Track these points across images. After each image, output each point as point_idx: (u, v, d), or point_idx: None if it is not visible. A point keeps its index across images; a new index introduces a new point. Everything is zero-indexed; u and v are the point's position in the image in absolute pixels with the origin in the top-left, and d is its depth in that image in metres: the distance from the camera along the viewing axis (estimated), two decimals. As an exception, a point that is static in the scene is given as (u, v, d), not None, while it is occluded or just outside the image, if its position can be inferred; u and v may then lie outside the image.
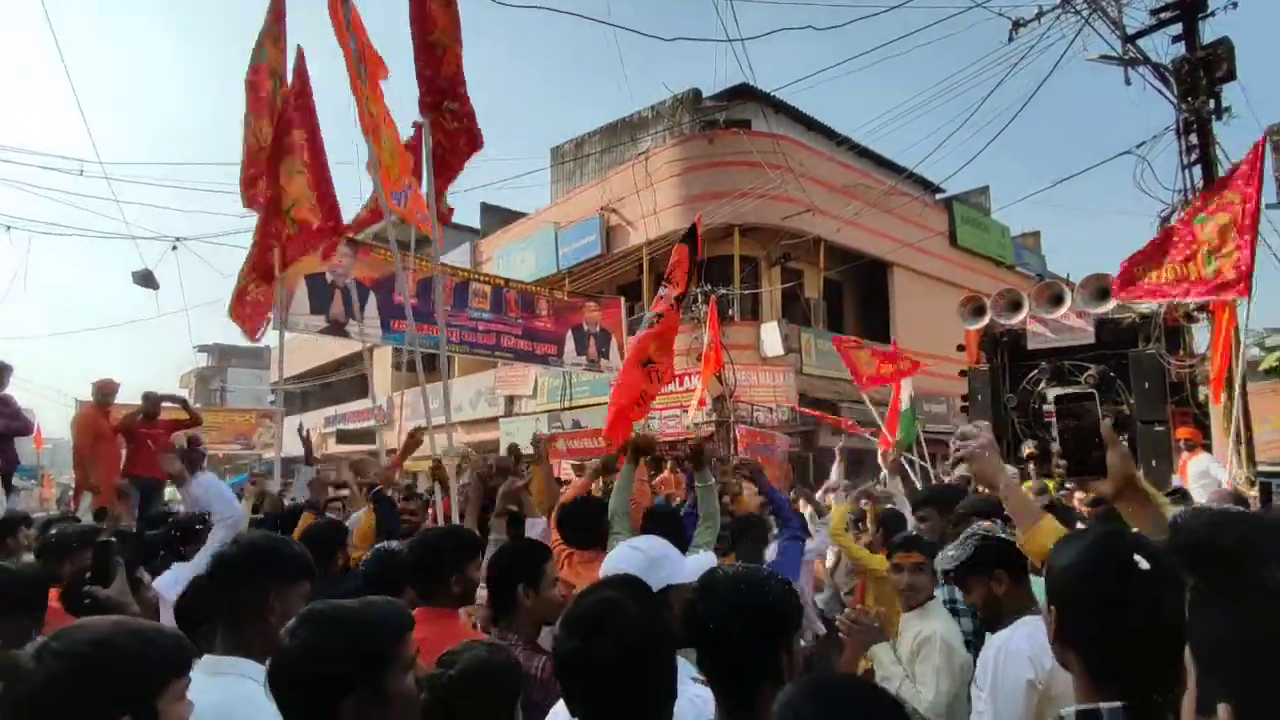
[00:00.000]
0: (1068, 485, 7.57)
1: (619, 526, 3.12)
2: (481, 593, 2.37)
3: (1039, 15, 7.57)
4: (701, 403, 12.87)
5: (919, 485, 7.22)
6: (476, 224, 20.26)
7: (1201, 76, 7.04)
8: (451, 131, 4.02)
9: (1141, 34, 7.47)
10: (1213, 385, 5.50)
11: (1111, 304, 8.39)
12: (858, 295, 17.77)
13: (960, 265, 18.08)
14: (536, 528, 3.41)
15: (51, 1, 8.86)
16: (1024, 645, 1.90)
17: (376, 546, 2.85)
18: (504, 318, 8.81)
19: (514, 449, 5.39)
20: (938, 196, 18.53)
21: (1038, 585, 2.72)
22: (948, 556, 2.20)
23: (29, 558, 3.32)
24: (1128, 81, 7.45)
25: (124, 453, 6.30)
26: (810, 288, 16.06)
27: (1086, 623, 1.12)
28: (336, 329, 6.81)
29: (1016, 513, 1.71)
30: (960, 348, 10.50)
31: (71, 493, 7.09)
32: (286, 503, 5.34)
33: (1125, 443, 1.49)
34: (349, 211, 5.18)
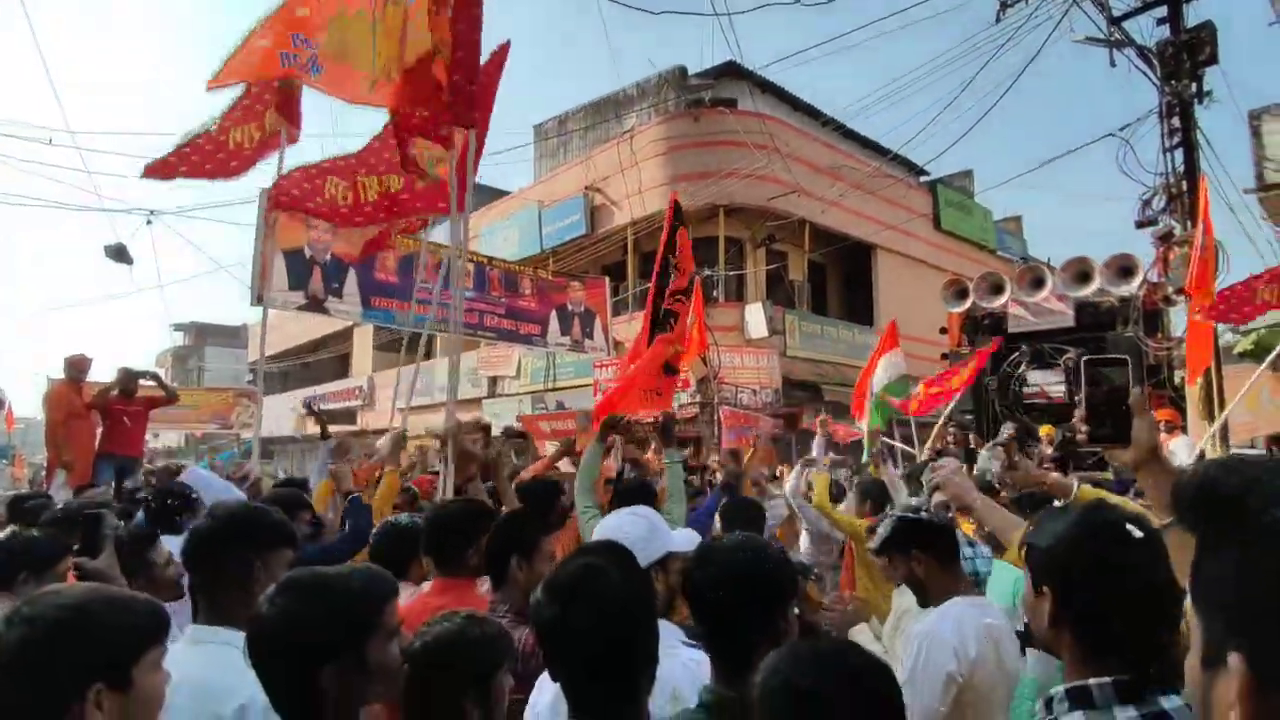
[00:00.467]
0: (1046, 466, 7.69)
1: (586, 503, 3.09)
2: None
3: (1028, -6, 7.57)
4: (685, 384, 12.90)
5: (900, 466, 7.28)
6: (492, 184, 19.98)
7: (1185, 60, 7.07)
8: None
9: (1127, 16, 7.49)
10: (1188, 368, 5.59)
11: (1092, 287, 8.48)
12: (841, 277, 17.83)
13: (943, 248, 18.18)
14: None
15: (15, -36, 8.51)
16: (949, 634, 1.91)
17: (385, 520, 2.85)
18: (487, 297, 8.73)
19: (483, 425, 5.34)
20: (922, 179, 18.58)
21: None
22: (875, 535, 2.22)
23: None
24: (1113, 63, 7.47)
25: (99, 430, 6.18)
26: (795, 269, 16.08)
27: (1084, 593, 1.12)
28: (315, 305, 6.71)
29: (996, 527, 1.72)
30: (942, 330, 10.59)
31: (44, 472, 6.96)
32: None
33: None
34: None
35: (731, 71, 15.43)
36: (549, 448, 10.04)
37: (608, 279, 11.30)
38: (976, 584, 2.69)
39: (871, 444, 6.43)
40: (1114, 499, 1.61)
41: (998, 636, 1.98)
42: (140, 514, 3.02)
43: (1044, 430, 8.92)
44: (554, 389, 15.39)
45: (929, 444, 7.57)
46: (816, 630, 2.11)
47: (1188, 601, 0.63)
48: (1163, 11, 7.34)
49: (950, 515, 3.79)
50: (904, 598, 2.56)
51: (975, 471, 3.58)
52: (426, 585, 2.40)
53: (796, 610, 1.49)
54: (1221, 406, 7.00)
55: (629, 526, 1.87)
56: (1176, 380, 8.53)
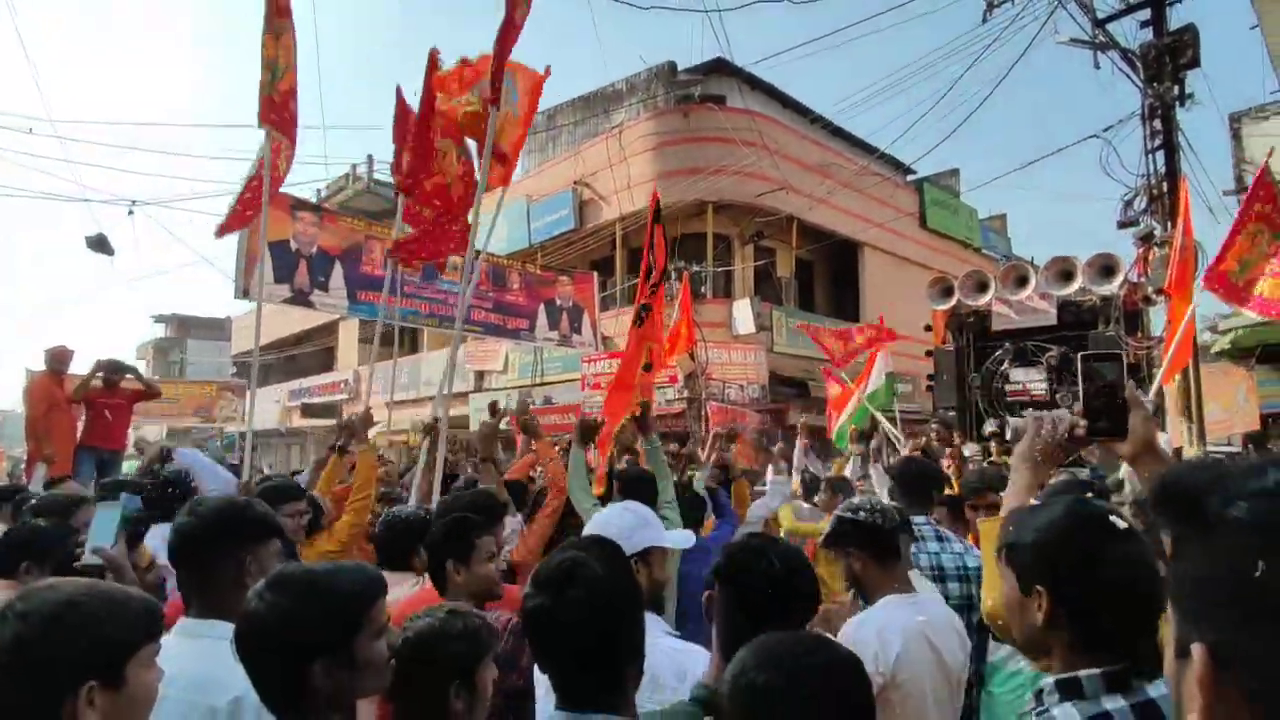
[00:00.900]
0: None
1: (586, 504, 3.19)
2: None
3: (1015, -7, 7.63)
4: (673, 379, 12.94)
5: (886, 463, 7.35)
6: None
7: (1167, 62, 7.17)
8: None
9: (1111, 18, 7.57)
10: (1164, 366, 5.68)
11: (1074, 286, 8.59)
12: (829, 274, 17.92)
13: (929, 246, 18.31)
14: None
15: (-6, -51, 8.36)
16: (870, 637, 1.94)
17: (389, 512, 2.86)
18: (475, 291, 8.69)
19: (494, 405, 5.37)
20: (908, 178, 18.69)
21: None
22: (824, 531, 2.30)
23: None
24: (1097, 65, 7.56)
25: (81, 422, 6.11)
26: (782, 266, 16.14)
27: (1075, 588, 1.13)
28: (301, 299, 6.66)
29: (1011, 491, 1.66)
30: (927, 328, 10.68)
31: (24, 465, 6.87)
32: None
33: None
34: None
35: (721, 68, 15.44)
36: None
37: (596, 274, 11.30)
38: (942, 578, 2.74)
39: (852, 440, 6.49)
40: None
41: (931, 633, 2.01)
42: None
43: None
44: (542, 383, 15.37)
45: (913, 440, 7.64)
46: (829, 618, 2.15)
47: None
48: (1146, 14, 7.44)
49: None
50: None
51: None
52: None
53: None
54: (1199, 405, 7.12)
55: (616, 519, 1.91)
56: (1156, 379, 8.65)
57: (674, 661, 1.60)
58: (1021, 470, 1.54)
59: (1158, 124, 7.34)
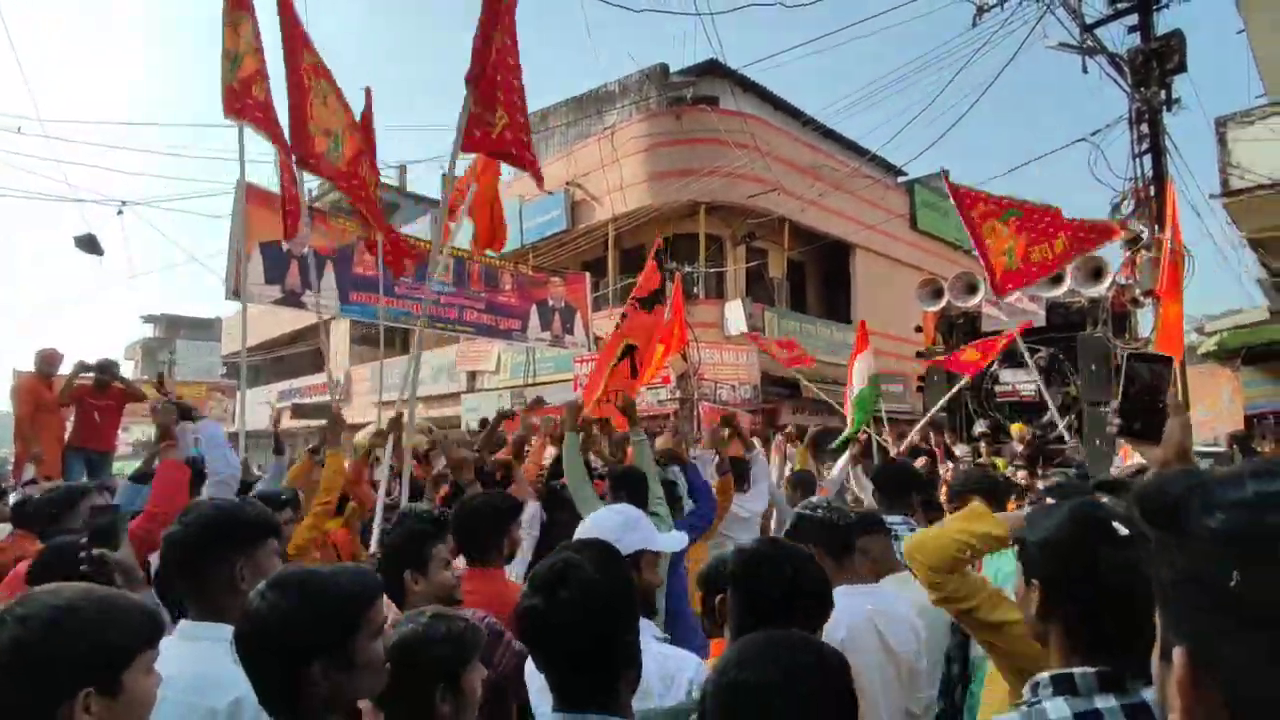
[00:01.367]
0: (1016, 463, 7.86)
1: (585, 493, 3.21)
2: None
3: (1002, 1, 7.69)
4: (665, 380, 12.95)
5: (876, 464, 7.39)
6: (438, 195, 19.87)
7: (1154, 67, 7.24)
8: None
9: (1099, 23, 7.64)
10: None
11: (1063, 288, 8.66)
12: (820, 276, 17.97)
13: (920, 248, 18.40)
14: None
15: (-19, -55, 8.28)
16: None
17: (401, 510, 2.86)
18: (467, 291, 8.68)
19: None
20: (899, 180, 18.77)
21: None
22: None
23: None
24: (1085, 69, 7.63)
25: (70, 423, 6.07)
26: (774, 267, 16.18)
27: (1071, 589, 1.17)
28: (292, 300, 6.62)
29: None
30: (918, 329, 10.74)
31: (10, 466, 6.81)
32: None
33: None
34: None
35: (713, 70, 15.46)
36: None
37: (588, 275, 11.29)
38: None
39: (852, 448, 6.52)
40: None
41: (881, 622, 2.11)
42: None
43: (1015, 428, 9.11)
44: (534, 384, 15.34)
45: (905, 442, 7.68)
46: None
47: None
48: (1133, 20, 7.51)
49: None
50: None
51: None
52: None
53: None
54: (1186, 406, 7.18)
55: (606, 521, 1.92)
56: (1143, 380, 8.72)
57: (661, 667, 1.62)
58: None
59: (1145, 128, 7.42)
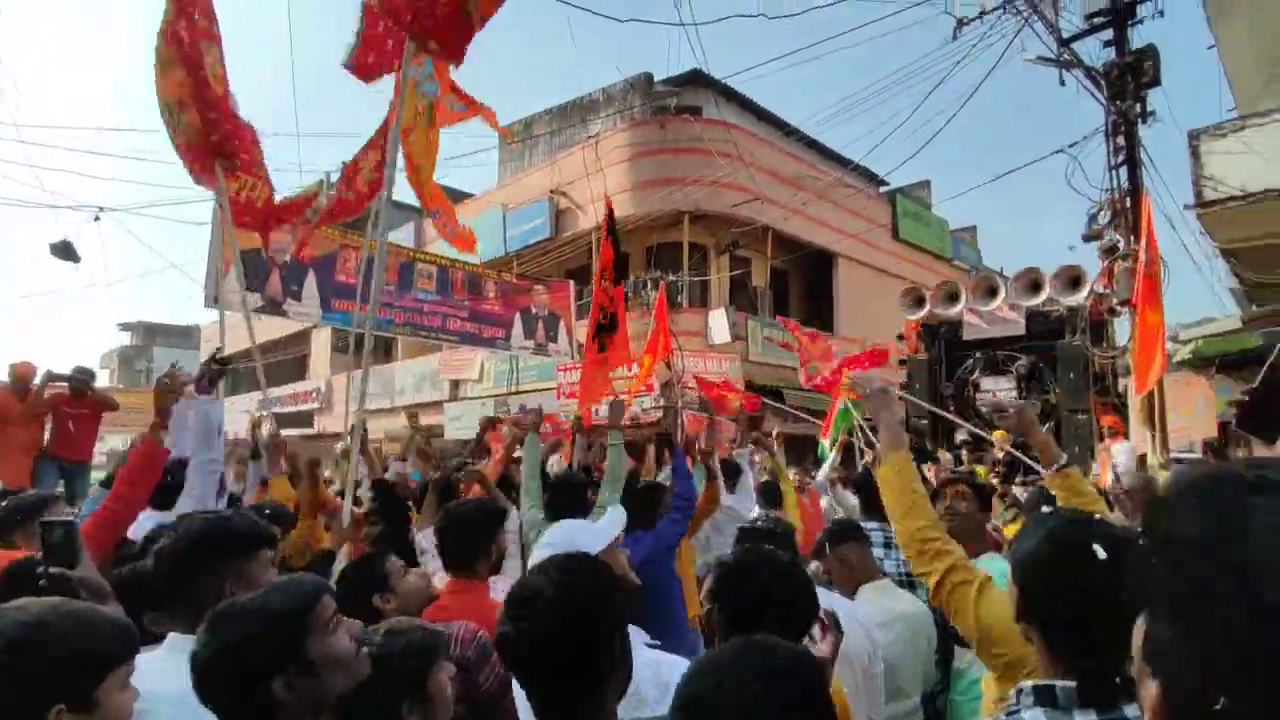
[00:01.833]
0: (997, 470, 7.92)
1: (532, 501, 3.25)
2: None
3: (981, 15, 7.82)
4: (650, 388, 12.94)
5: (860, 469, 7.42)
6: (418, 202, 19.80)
7: (1129, 81, 7.38)
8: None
9: (1076, 38, 7.78)
10: (1136, 376, 5.83)
11: (1042, 297, 8.78)
12: (803, 284, 18.09)
13: (901, 257, 18.58)
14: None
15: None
16: None
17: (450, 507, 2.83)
18: (450, 299, 8.65)
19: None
20: (881, 190, 18.97)
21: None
22: None
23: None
24: (1062, 82, 7.77)
25: (46, 433, 5.95)
26: (757, 276, 16.26)
27: (1046, 606, 1.19)
28: (274, 308, 6.56)
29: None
30: (900, 337, 10.83)
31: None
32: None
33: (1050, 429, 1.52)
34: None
35: (697, 80, 15.55)
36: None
37: (572, 283, 11.29)
38: (910, 584, 2.80)
39: (832, 460, 6.56)
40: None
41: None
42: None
43: (997, 434, 9.18)
44: (517, 392, 15.28)
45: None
46: None
47: None
48: (1109, 34, 7.66)
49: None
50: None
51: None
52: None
53: None
54: (1162, 413, 7.29)
55: (551, 538, 1.86)
56: (1120, 388, 8.87)
57: (655, 673, 1.60)
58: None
59: (1121, 140, 7.55)
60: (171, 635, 1.53)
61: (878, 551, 2.83)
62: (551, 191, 15.70)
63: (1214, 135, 7.18)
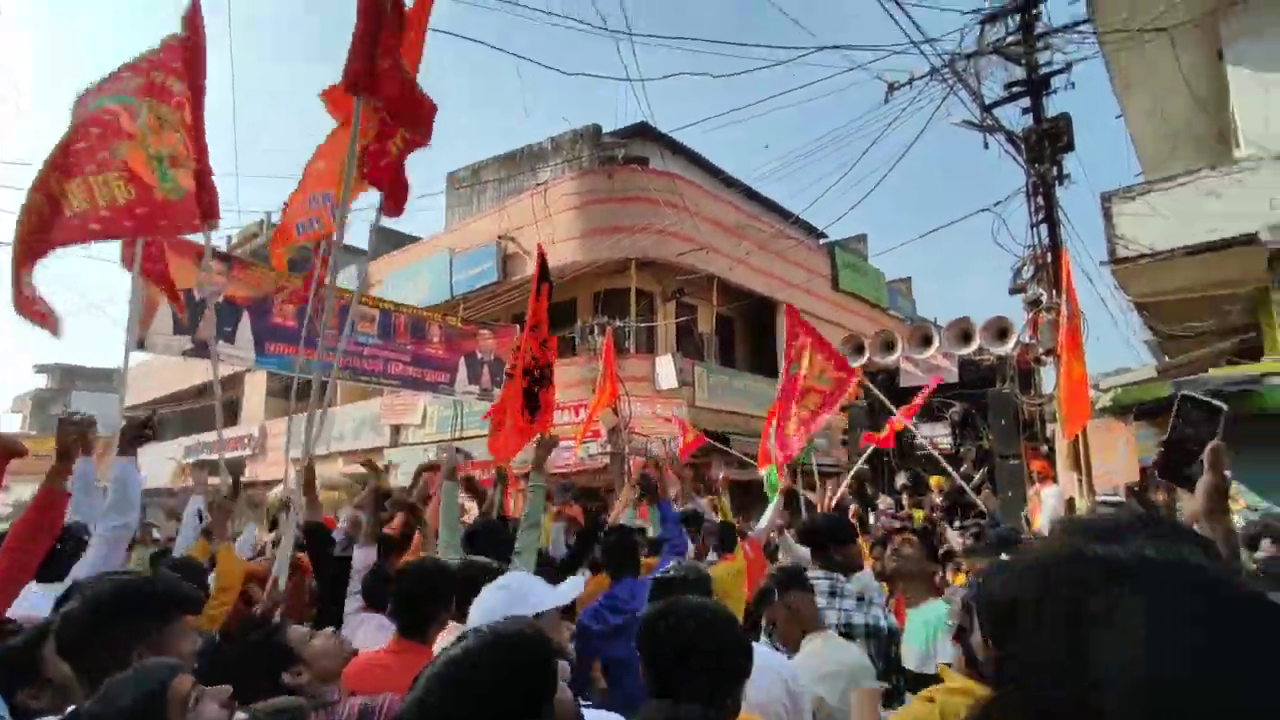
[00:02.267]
0: (935, 515, 8.09)
1: (449, 538, 3.20)
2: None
3: (910, 81, 8.30)
4: (596, 434, 12.86)
5: (804, 516, 7.48)
6: (365, 246, 19.51)
7: (1046, 146, 7.92)
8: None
9: (997, 104, 8.34)
10: (1065, 422, 6.09)
11: (973, 346, 9.15)
12: (748, 331, 18.43)
13: (841, 306, 19.16)
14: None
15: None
16: None
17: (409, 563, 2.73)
18: (392, 343, 8.47)
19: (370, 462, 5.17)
20: (821, 242, 19.65)
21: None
22: None
23: None
24: (985, 146, 8.28)
25: None
26: (704, 322, 16.50)
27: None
28: (203, 350, 6.29)
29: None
30: (841, 383, 11.08)
31: None
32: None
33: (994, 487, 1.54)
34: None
35: (644, 132, 15.96)
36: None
37: (518, 327, 11.21)
38: (850, 635, 2.81)
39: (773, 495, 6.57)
40: None
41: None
42: None
43: (934, 481, 9.42)
44: (461, 438, 14.95)
45: (830, 495, 7.83)
46: None
47: None
48: (1027, 102, 8.24)
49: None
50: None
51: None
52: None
53: None
54: (1087, 459, 7.61)
55: (490, 602, 1.79)
56: (1048, 433, 9.24)
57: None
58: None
59: (1040, 200, 8.05)
60: (71, 710, 1.41)
61: (821, 601, 2.83)
62: (499, 237, 15.72)
63: (1123, 198, 7.73)
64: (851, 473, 8.48)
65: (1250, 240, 7.06)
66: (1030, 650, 0.50)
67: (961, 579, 4.30)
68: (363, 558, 3.27)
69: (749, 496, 11.00)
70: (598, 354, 11.94)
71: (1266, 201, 7.02)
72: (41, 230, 3.29)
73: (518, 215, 15.41)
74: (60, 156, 3.36)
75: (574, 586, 2.00)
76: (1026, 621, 0.52)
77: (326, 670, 1.91)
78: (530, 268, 15.25)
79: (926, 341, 9.96)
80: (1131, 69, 8.43)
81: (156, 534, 5.61)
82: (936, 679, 2.07)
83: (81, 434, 2.47)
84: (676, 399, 13.97)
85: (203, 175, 3.56)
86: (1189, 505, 1.39)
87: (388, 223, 4.31)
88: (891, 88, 8.46)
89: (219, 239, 24.04)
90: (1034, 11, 7.88)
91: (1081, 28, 7.74)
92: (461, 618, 2.10)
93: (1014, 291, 8.45)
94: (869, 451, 8.74)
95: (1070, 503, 7.27)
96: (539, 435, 3.95)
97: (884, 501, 8.60)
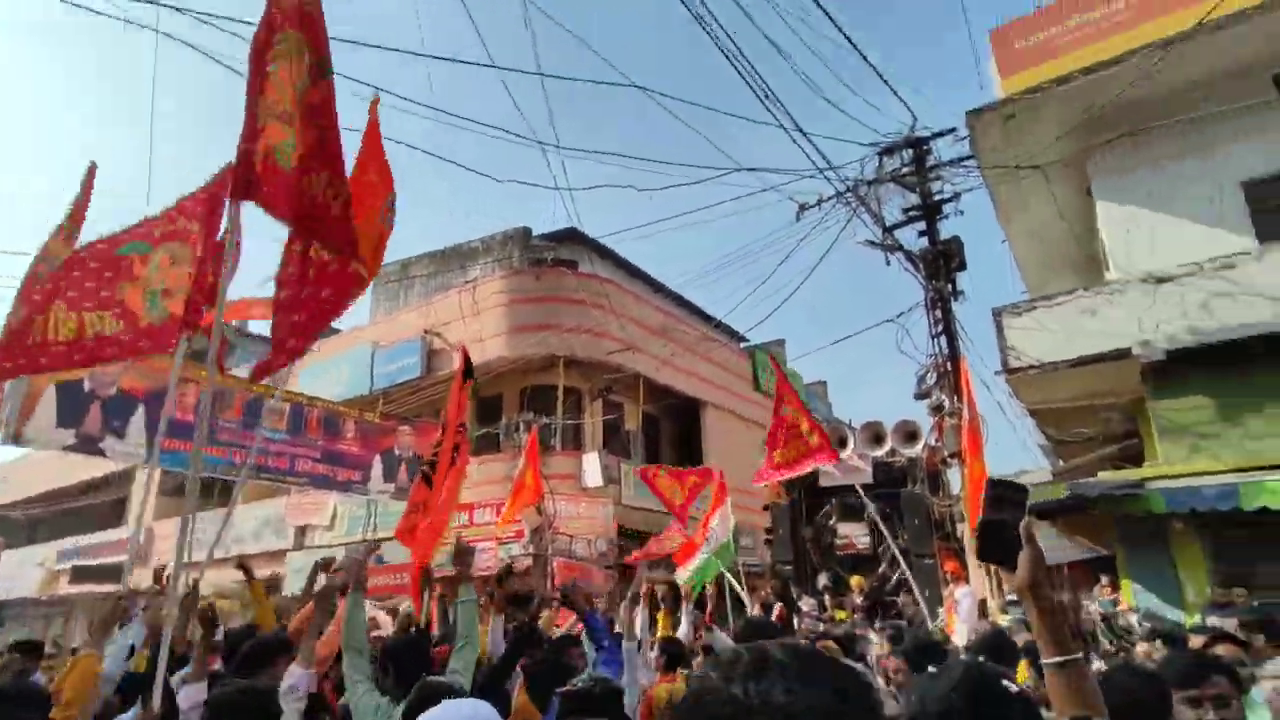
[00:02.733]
0: (856, 616, 8.11)
1: (358, 674, 2.77)
2: None
3: (819, 202, 9.02)
4: (519, 534, 12.45)
5: (730, 617, 7.37)
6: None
7: (941, 264, 8.64)
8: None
9: (895, 227, 9.11)
10: (971, 522, 6.34)
11: (885, 448, 9.52)
12: (674, 430, 18.59)
13: (762, 406, 19.66)
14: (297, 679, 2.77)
15: None
16: None
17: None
18: (302, 439, 8.13)
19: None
20: (742, 345, 20.39)
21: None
22: None
23: None
24: (888, 262, 8.96)
25: None
26: (630, 420, 16.58)
27: None
28: (88, 445, 5.85)
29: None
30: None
31: None
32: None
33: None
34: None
35: (573, 237, 16.49)
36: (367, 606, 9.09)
37: (441, 423, 10.98)
38: None
39: (688, 600, 6.49)
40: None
41: None
42: None
43: (854, 581, 9.50)
44: (373, 540, 14.16)
45: (755, 595, 7.77)
46: None
47: None
48: (922, 225, 9.03)
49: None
50: None
51: None
52: None
53: None
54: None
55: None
56: (959, 533, 9.55)
57: None
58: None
59: (939, 314, 8.69)
60: None
61: None
62: (425, 331, 15.61)
63: (1012, 313, 8.42)
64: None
65: (1124, 355, 7.76)
66: None
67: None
68: (191, 696, 2.83)
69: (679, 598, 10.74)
70: (522, 451, 11.75)
71: (1136, 320, 7.79)
72: (11, 343, 3.33)
73: (445, 311, 15.40)
74: (62, 280, 3.46)
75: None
76: None
77: None
78: (455, 364, 15.12)
79: (842, 443, 10.28)
80: (1011, 200, 9.42)
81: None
82: None
83: None
84: (603, 497, 13.78)
85: (193, 297, 3.51)
86: (1013, 581, 1.46)
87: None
88: (802, 208, 9.15)
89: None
90: (925, 147, 8.79)
91: (966, 163, 8.66)
92: None
93: (919, 397, 8.93)
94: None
95: (983, 604, 7.45)
96: (456, 542, 3.74)
97: (807, 603, 8.58)
